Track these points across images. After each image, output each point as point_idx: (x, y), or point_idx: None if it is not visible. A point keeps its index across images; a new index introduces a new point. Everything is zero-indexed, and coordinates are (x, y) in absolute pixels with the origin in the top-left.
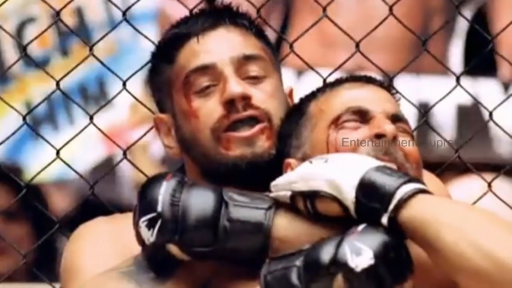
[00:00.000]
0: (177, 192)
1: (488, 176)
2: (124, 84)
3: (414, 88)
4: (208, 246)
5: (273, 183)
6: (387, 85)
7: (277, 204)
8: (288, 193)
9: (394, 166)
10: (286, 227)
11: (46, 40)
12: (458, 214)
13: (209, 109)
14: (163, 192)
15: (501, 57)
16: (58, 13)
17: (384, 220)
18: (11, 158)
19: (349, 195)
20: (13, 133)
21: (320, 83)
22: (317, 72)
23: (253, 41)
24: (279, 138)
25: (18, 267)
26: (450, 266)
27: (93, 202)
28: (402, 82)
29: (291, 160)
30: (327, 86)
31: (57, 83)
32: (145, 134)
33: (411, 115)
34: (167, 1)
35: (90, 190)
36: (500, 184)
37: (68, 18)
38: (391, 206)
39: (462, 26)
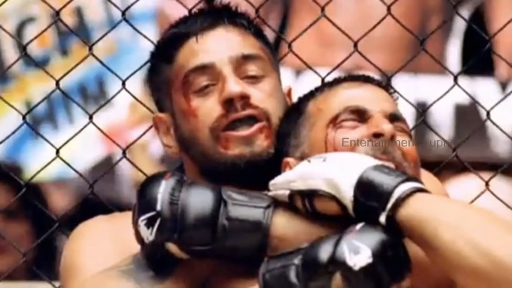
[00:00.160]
0: (176, 191)
1: (486, 175)
2: (123, 83)
3: (412, 88)
4: (207, 245)
5: (271, 182)
6: (385, 85)
7: (276, 203)
8: (287, 192)
9: (392, 165)
10: (285, 226)
11: (46, 39)
12: (455, 213)
13: (208, 109)
14: (162, 191)
15: (499, 56)
16: (57, 13)
17: (382, 218)
18: (11, 157)
19: (347, 194)
20: (13, 132)
21: (318, 83)
22: (316, 72)
23: (252, 41)
24: (278, 137)
25: (18, 265)
26: (447, 265)
27: (93, 201)
28: (400, 82)
29: (289, 159)
30: (326, 86)
31: (57, 83)
32: (144, 133)
33: (409, 115)
34: (166, 1)
35: (89, 189)
36: (497, 183)
37: (68, 18)
38: (389, 205)
39: (459, 25)
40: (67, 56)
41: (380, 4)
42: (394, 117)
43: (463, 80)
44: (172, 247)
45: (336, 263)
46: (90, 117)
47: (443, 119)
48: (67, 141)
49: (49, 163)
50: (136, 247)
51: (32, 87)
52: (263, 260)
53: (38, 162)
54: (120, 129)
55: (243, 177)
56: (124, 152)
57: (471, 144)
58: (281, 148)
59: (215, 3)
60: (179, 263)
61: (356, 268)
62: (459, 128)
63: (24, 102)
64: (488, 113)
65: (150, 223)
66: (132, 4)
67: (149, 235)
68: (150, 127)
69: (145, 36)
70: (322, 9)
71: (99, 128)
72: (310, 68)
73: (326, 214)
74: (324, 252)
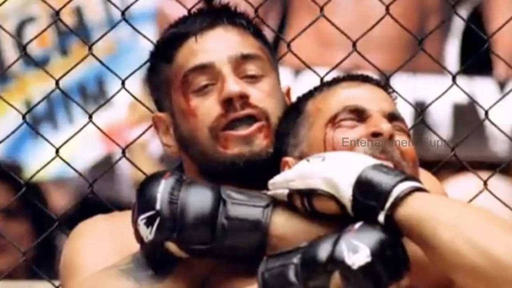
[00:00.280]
0: (176, 190)
1: (484, 174)
2: (123, 83)
3: (410, 87)
4: (206, 244)
5: (270, 181)
6: (384, 84)
7: (275, 202)
8: (286, 191)
9: (390, 165)
10: (284, 225)
11: (46, 39)
12: (454, 212)
13: (207, 108)
14: (162, 190)
15: (497, 56)
16: (57, 13)
17: (381, 218)
18: (11, 156)
19: (346, 193)
20: (13, 132)
21: (317, 82)
22: (315, 71)
23: (251, 41)
24: (277, 137)
25: (17, 264)
26: (446, 264)
27: (92, 200)
28: (398, 81)
29: (288, 159)
30: (324, 85)
31: (57, 82)
32: (143, 133)
33: (407, 114)
34: (166, 1)
35: (89, 188)
36: (495, 182)
37: (68, 18)
38: (388, 204)
39: (458, 25)
40: (66, 55)
41: (378, 4)
42: (393, 117)
43: (461, 80)
44: (171, 246)
45: (335, 262)
46: (90, 117)
47: (441, 118)
48: (67, 141)
49: (49, 163)
50: (136, 246)
51: (32, 87)
52: (262, 259)
53: (38, 162)
54: (120, 129)
55: (242, 176)
56: (123, 152)
57: (470, 143)
58: (280, 148)
59: (214, 3)
60: (179, 262)
61: (355, 267)
62: (457, 127)
63: (24, 101)
64: (486, 112)
65: (149, 222)
66: (131, 4)
67: (148, 234)
68: (150, 127)
69: (144, 36)
70: (321, 9)
71: (98, 128)
72: (309, 67)
73: (325, 213)
74: (323, 251)
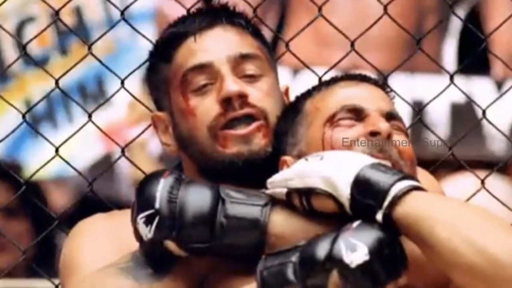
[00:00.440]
0: (175, 189)
1: (481, 173)
2: (122, 82)
3: (408, 87)
4: (205, 243)
5: (269, 180)
6: (382, 84)
7: (273, 201)
8: (284, 190)
9: (388, 164)
10: (282, 224)
11: (46, 39)
12: (451, 211)
13: (206, 107)
14: (161, 189)
15: (494, 56)
16: (57, 13)
17: (379, 216)
18: (11, 155)
19: (344, 192)
20: (13, 131)
21: (315, 82)
22: (313, 71)
23: (250, 40)
24: (275, 136)
25: (17, 263)
26: (443, 262)
27: (92, 199)
28: (396, 81)
29: (287, 158)
30: (323, 85)
31: (56, 82)
32: (143, 132)
33: (405, 113)
34: (165, 1)
35: (88, 187)
36: (493, 181)
37: (67, 18)
38: (386, 203)
39: (455, 25)
40: (66, 55)
41: (376, 4)
42: (391, 116)
43: (459, 79)
44: (170, 244)
45: (333, 260)
46: (89, 116)
47: (439, 117)
48: (67, 140)
49: (48, 162)
50: (135, 245)
51: (32, 86)
52: (261, 258)
53: (38, 161)
54: (119, 128)
55: (241, 175)
56: (123, 151)
57: (467, 142)
58: (279, 147)
59: (213, 3)
60: (178, 261)
61: (353, 265)
62: (455, 126)
63: (23, 101)
64: (484, 112)
65: (148, 221)
66: (131, 4)
67: (147, 232)
68: (149, 126)
69: (144, 36)
70: (319, 8)
71: (98, 127)
72: (307, 67)
73: (323, 212)
74: (321, 250)
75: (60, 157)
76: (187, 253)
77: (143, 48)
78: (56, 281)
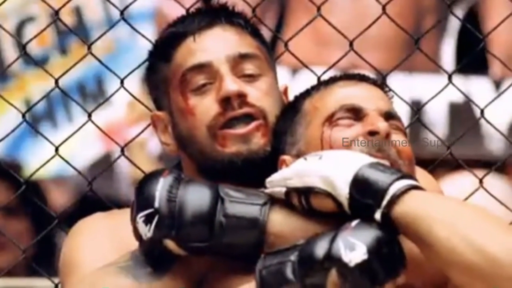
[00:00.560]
0: (174, 188)
1: (480, 173)
2: (122, 82)
3: (406, 86)
4: (204, 242)
5: (268, 180)
6: (380, 83)
7: (272, 200)
8: (283, 189)
9: (387, 163)
10: (281, 223)
11: (45, 39)
12: (450, 210)
13: (205, 107)
14: (160, 188)
15: (492, 55)
16: (57, 13)
17: (377, 215)
18: (10, 154)
19: (343, 191)
20: (13, 130)
21: (314, 81)
22: (312, 70)
23: (249, 40)
24: (274, 135)
25: (17, 262)
26: (442, 261)
27: (92, 198)
28: (395, 80)
29: (286, 157)
30: (321, 84)
31: (56, 81)
32: (142, 131)
33: (403, 113)
34: (164, 1)
35: (88, 186)
36: (491, 181)
37: (67, 17)
38: (384, 202)
39: (454, 25)
40: (66, 55)
41: (375, 4)
42: (389, 115)
43: (457, 79)
44: (170, 243)
45: (332, 259)
46: (89, 115)
47: (437, 117)
48: (66, 139)
49: (48, 161)
50: (135, 244)
51: (32, 86)
52: (260, 257)
53: (38, 160)
54: (119, 127)
55: (240, 174)
56: (122, 150)
57: (465, 142)
58: (278, 146)
59: (212, 2)
60: (177, 260)
61: (352, 264)
62: (453, 126)
63: (23, 100)
64: (482, 111)
65: (148, 220)
66: (130, 4)
67: (147, 232)
68: (148, 125)
69: (143, 36)
70: (318, 8)
71: (97, 126)
72: (306, 67)
73: (322, 211)
74: (320, 249)
75: (60, 156)
76: (186, 252)
77: (143, 47)
78: (56, 280)
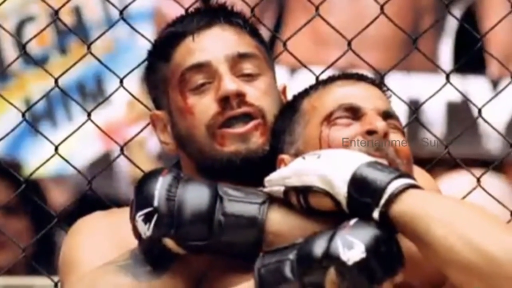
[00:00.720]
0: (173, 187)
1: (477, 172)
2: (121, 81)
3: (404, 86)
4: (203, 240)
5: (267, 179)
6: (379, 83)
7: (271, 199)
8: (282, 188)
9: (385, 162)
10: (280, 222)
11: (45, 38)
12: (448, 209)
13: (204, 106)
14: (159, 187)
15: (490, 55)
16: (56, 12)
17: (376, 214)
18: (10, 154)
19: (341, 190)
20: (13, 130)
21: (313, 81)
22: (310, 70)
23: (247, 40)
24: (273, 135)
25: (17, 260)
26: (440, 260)
27: (91, 197)
28: (393, 80)
29: (284, 156)
30: (320, 84)
31: (56, 81)
32: (141, 131)
33: (401, 112)
34: (163, 1)
35: (88, 185)
36: (488, 179)
37: (67, 17)
38: (382, 201)
39: (451, 24)
40: (65, 54)
41: (373, 4)
42: (387, 115)
43: (455, 78)
44: (169, 242)
45: (330, 258)
46: (89, 115)
47: (435, 116)
48: (66, 138)
49: (48, 160)
50: (134, 243)
51: (32, 85)
52: (259, 255)
53: (37, 159)
54: (118, 127)
55: (238, 173)
56: (122, 149)
57: (463, 141)
58: (276, 145)
59: (211, 2)
60: (176, 258)
61: (350, 263)
62: (451, 125)
63: (23, 100)
64: (479, 110)
65: (147, 218)
66: (129, 4)
67: (146, 230)
68: (148, 125)
69: (142, 35)
70: (317, 8)
71: (97, 126)
72: (305, 66)
73: (321, 210)
74: (319, 247)
75: (60, 155)
76: (185, 250)
77: (142, 47)
78: (56, 279)
